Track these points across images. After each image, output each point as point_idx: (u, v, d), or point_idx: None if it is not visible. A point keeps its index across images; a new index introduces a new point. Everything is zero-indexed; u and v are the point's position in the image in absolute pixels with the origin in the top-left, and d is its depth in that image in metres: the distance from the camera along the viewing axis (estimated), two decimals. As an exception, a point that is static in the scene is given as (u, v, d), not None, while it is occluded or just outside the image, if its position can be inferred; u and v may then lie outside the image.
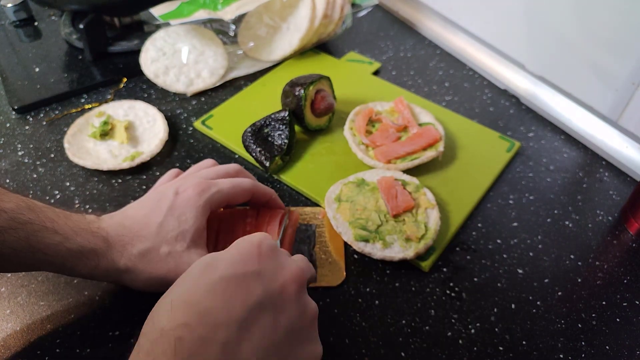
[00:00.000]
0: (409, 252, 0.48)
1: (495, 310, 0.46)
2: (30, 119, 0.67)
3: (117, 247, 0.42)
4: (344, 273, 0.49)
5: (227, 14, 0.72)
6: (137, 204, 0.46)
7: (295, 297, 0.34)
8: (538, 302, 0.47)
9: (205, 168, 0.50)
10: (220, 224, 0.49)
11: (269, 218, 0.49)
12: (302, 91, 0.59)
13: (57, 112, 0.67)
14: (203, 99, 0.70)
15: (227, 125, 0.64)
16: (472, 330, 0.45)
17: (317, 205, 0.55)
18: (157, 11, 0.76)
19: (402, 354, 0.43)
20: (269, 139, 0.59)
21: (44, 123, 0.66)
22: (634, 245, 0.52)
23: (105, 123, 0.62)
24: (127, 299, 0.47)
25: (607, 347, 0.44)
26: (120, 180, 0.58)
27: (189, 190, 0.44)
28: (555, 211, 0.55)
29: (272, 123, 0.59)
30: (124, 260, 0.42)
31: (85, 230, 0.41)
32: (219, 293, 0.32)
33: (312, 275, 0.39)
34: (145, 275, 0.42)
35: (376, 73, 0.74)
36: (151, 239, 0.42)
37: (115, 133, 0.62)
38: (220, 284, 0.32)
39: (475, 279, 0.49)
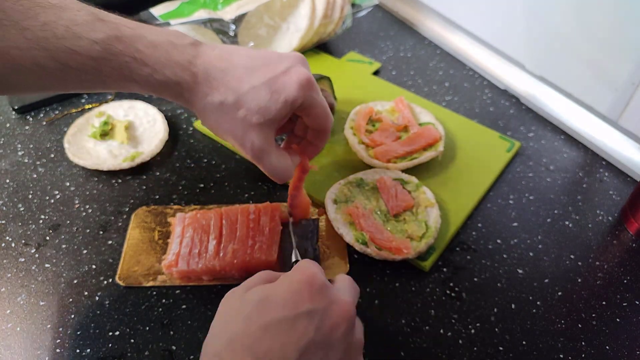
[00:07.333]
0: (411, 252, 0.48)
1: (495, 310, 0.46)
2: (30, 119, 0.67)
3: (203, 88, 0.40)
4: (348, 265, 0.49)
5: (227, 13, 0.72)
6: (250, 52, 0.42)
7: (344, 336, 0.35)
8: (538, 302, 0.47)
9: None
10: (224, 219, 0.50)
11: (269, 219, 0.50)
12: (302, 91, 0.59)
13: (57, 112, 0.67)
14: (203, 98, 0.70)
15: (227, 125, 0.64)
16: (472, 330, 0.45)
17: (316, 203, 0.55)
18: (157, 11, 0.76)
19: (402, 354, 0.43)
20: (269, 139, 0.59)
21: (44, 123, 0.66)
22: (634, 245, 0.52)
23: (106, 123, 0.62)
24: (127, 299, 0.47)
25: (607, 347, 0.44)
26: (120, 180, 0.58)
27: (294, 75, 0.41)
28: (555, 211, 0.55)
29: (272, 123, 0.59)
30: (202, 104, 0.41)
31: (175, 62, 0.40)
32: (274, 335, 0.32)
33: (357, 297, 0.39)
34: (211, 124, 0.41)
35: (376, 73, 0.74)
36: (236, 96, 0.40)
37: (116, 133, 0.62)
38: (275, 325, 0.33)
39: (475, 279, 0.49)
